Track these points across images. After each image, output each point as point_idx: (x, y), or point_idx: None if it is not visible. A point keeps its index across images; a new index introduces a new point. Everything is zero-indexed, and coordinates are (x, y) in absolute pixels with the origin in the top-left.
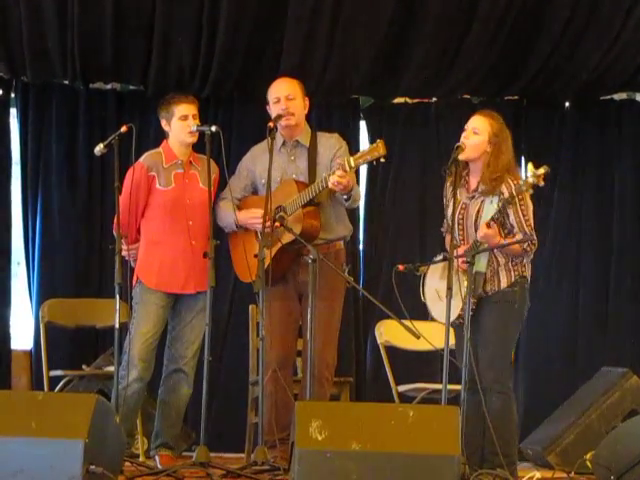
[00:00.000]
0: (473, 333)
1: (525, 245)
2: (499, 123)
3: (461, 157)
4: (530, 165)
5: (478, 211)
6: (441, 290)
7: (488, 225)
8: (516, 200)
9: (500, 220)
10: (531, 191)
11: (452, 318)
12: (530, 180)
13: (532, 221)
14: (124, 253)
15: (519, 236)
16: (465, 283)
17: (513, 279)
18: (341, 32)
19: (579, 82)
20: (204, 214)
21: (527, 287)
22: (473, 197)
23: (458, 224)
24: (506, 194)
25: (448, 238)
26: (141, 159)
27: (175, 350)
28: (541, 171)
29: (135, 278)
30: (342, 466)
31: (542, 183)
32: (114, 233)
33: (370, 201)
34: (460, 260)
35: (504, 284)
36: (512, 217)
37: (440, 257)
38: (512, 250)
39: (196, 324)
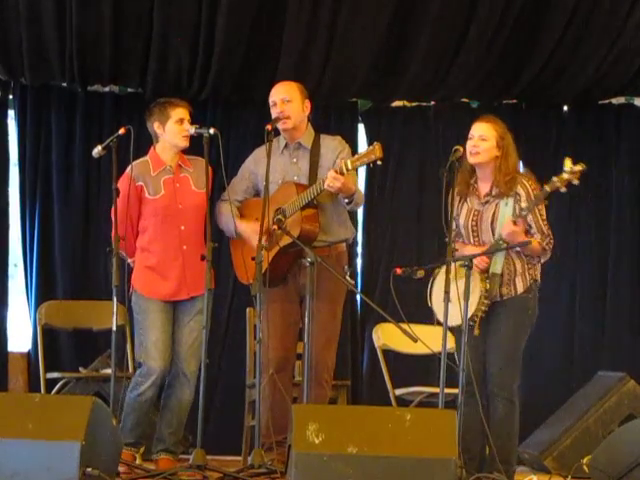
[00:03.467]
0: (483, 336)
1: (545, 243)
2: (502, 126)
3: (473, 161)
4: (567, 161)
5: (494, 214)
6: (453, 292)
7: (515, 222)
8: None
9: (520, 220)
10: (564, 189)
11: (459, 320)
12: (565, 176)
13: (546, 220)
14: (131, 264)
15: (537, 236)
16: (480, 284)
17: (528, 284)
18: (339, 35)
19: (577, 86)
20: (198, 217)
21: (538, 294)
22: (487, 202)
23: (472, 230)
24: (524, 195)
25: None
26: (127, 170)
27: (175, 353)
28: (578, 168)
29: (131, 287)
30: (339, 469)
31: (577, 181)
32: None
33: (368, 204)
34: (479, 259)
35: (520, 289)
36: (530, 217)
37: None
38: (532, 250)
39: (194, 326)
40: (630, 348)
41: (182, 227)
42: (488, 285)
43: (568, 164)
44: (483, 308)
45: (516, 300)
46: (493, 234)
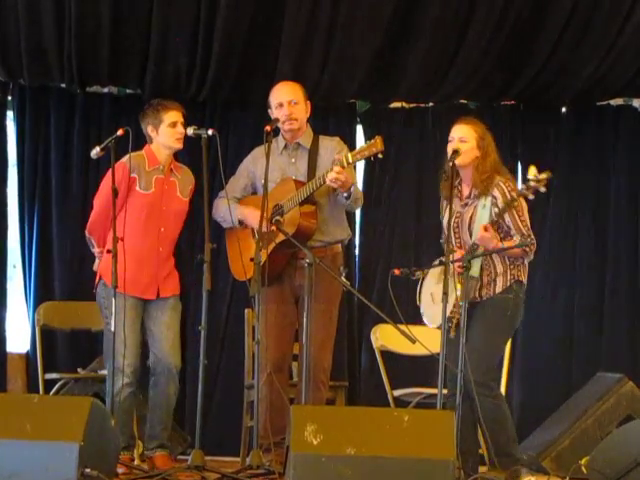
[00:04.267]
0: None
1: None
2: (481, 127)
3: (456, 162)
4: (532, 169)
5: (472, 216)
6: (436, 294)
7: (485, 228)
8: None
9: (497, 223)
10: (532, 196)
11: (440, 321)
12: (532, 184)
13: (528, 221)
14: (96, 254)
15: (517, 238)
16: (458, 287)
17: (508, 284)
18: (338, 36)
19: (576, 87)
20: (176, 223)
21: (522, 296)
22: (467, 204)
23: (454, 232)
24: (500, 198)
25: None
26: (123, 159)
27: (157, 350)
28: (543, 176)
29: (98, 277)
30: (337, 470)
31: (543, 189)
32: (87, 234)
33: (366, 205)
34: (456, 264)
35: (499, 288)
36: (508, 219)
37: (437, 262)
38: (512, 253)
39: (170, 323)
40: (628, 349)
41: (162, 229)
42: (461, 287)
43: (532, 172)
44: (457, 310)
45: (494, 300)
46: (471, 236)
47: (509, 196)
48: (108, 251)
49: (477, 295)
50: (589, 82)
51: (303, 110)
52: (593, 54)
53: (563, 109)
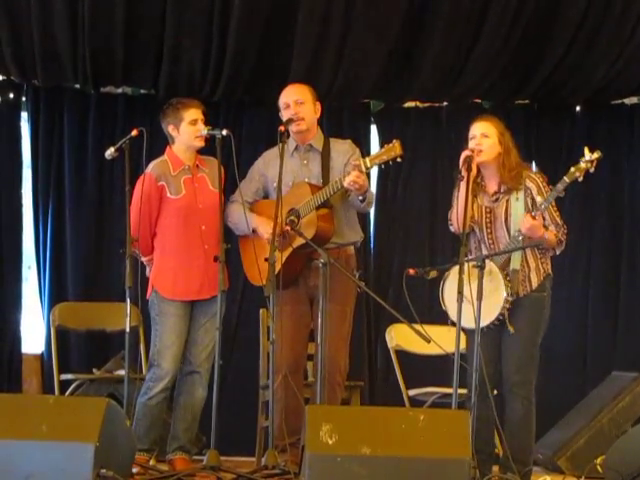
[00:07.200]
0: (498, 336)
1: (560, 235)
2: (500, 124)
3: (478, 160)
4: (586, 150)
5: (506, 210)
6: (469, 294)
7: (533, 217)
8: (545, 191)
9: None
10: (581, 178)
11: (490, 320)
12: (583, 165)
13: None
14: (145, 262)
15: (552, 228)
16: (502, 282)
17: (542, 278)
18: (352, 36)
19: (590, 86)
20: (216, 217)
21: (551, 291)
22: (497, 199)
23: (486, 227)
24: (534, 188)
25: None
26: (148, 169)
27: (190, 353)
28: (595, 156)
29: (150, 288)
30: (352, 470)
31: (592, 170)
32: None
33: (380, 205)
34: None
35: (535, 284)
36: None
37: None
38: (549, 242)
39: (210, 327)
40: None
41: (203, 227)
42: (510, 283)
43: (587, 152)
44: (507, 306)
45: (532, 298)
46: (508, 231)
47: (550, 186)
48: (148, 260)
49: (518, 290)
50: (603, 81)
51: (311, 110)
52: (607, 53)
53: (577, 108)
